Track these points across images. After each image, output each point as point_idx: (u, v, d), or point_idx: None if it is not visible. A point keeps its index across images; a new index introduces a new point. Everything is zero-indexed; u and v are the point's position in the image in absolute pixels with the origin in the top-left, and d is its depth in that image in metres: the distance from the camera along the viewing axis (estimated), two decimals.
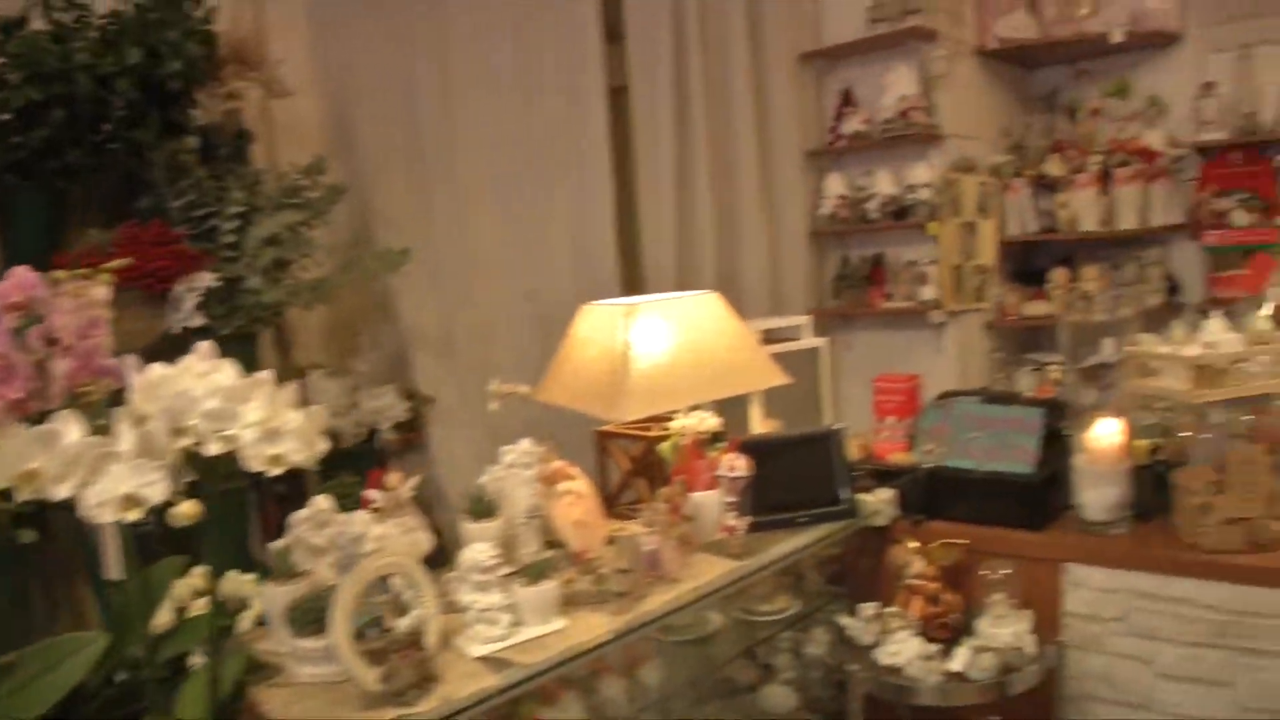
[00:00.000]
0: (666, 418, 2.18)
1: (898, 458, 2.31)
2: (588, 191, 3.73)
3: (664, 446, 2.11)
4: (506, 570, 1.65)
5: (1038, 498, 2.10)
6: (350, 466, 3.39)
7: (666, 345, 2.05)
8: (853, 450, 2.45)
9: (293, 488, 2.65)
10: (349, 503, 1.85)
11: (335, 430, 3.59)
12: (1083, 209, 3.98)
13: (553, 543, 1.96)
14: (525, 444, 1.97)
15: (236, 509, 2.48)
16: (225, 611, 1.60)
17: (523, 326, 3.48)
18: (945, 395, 2.32)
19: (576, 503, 1.96)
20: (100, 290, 1.44)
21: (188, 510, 1.18)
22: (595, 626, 1.65)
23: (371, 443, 3.72)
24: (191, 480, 1.38)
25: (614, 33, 3.81)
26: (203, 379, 1.31)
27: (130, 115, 2.21)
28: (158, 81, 2.27)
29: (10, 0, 2.14)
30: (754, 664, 2.29)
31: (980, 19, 4.11)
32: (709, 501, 1.98)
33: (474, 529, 1.86)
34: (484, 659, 1.55)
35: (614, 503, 2.33)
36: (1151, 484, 2.07)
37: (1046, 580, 2.07)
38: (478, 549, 1.61)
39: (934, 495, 2.19)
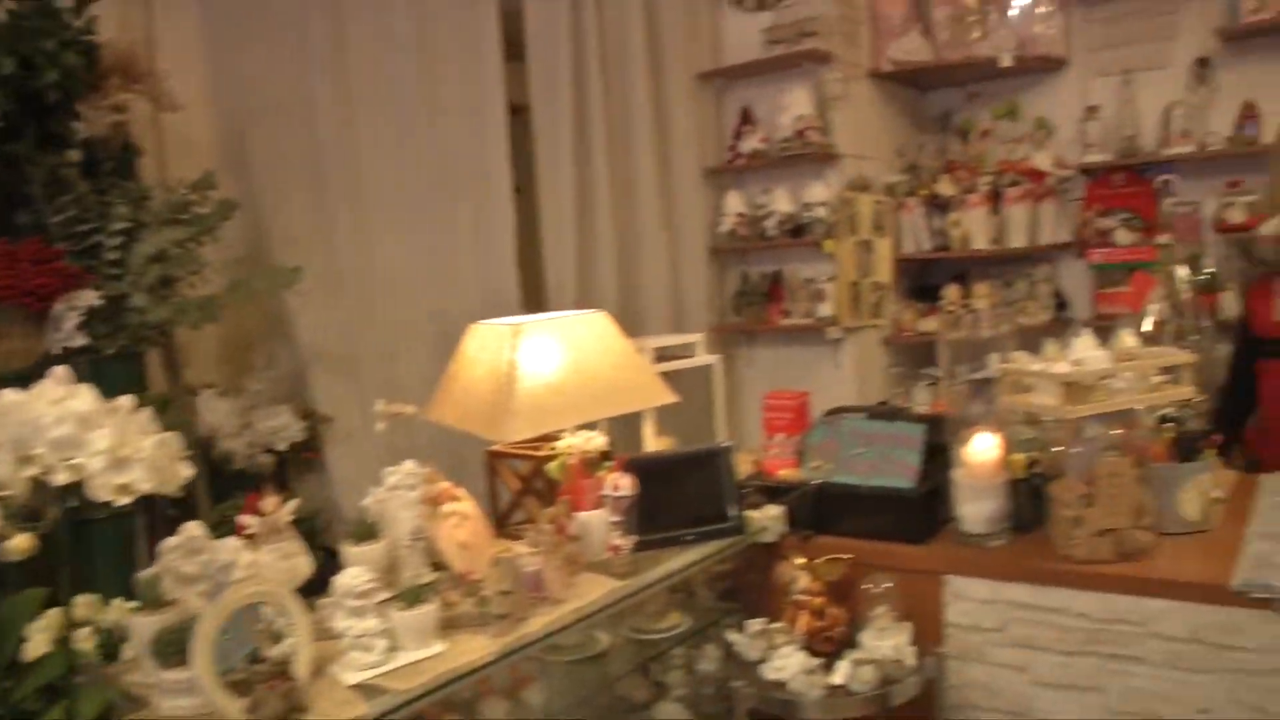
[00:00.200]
0: (556, 437, 2.18)
1: (787, 474, 2.34)
2: (490, 210, 3.72)
3: (552, 466, 2.10)
4: (384, 595, 1.63)
5: (919, 512, 2.14)
6: (245, 488, 3.32)
7: (553, 365, 2.05)
8: (745, 466, 2.48)
9: (185, 512, 2.59)
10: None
11: (228, 451, 3.52)
12: (974, 227, 4.09)
13: (438, 565, 1.94)
14: (409, 465, 1.95)
15: (125, 534, 2.41)
16: (110, 641, 1.56)
17: (427, 345, 3.45)
18: (833, 412, 2.36)
19: (462, 524, 1.95)
20: None
21: (20, 545, 1.14)
22: (475, 649, 1.64)
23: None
24: (72, 506, 1.34)
25: (515, 51, 3.81)
26: (56, 405, 1.27)
27: (5, 127, 2.14)
28: (34, 92, 2.21)
29: None
30: (647, 681, 2.30)
31: (875, 42, 4.20)
32: (595, 521, 1.98)
33: (355, 552, 1.83)
34: (358, 686, 1.52)
35: (504, 523, 2.32)
36: (1029, 497, 2.13)
37: (928, 592, 2.11)
38: (351, 574, 1.59)
39: (821, 511, 2.22)
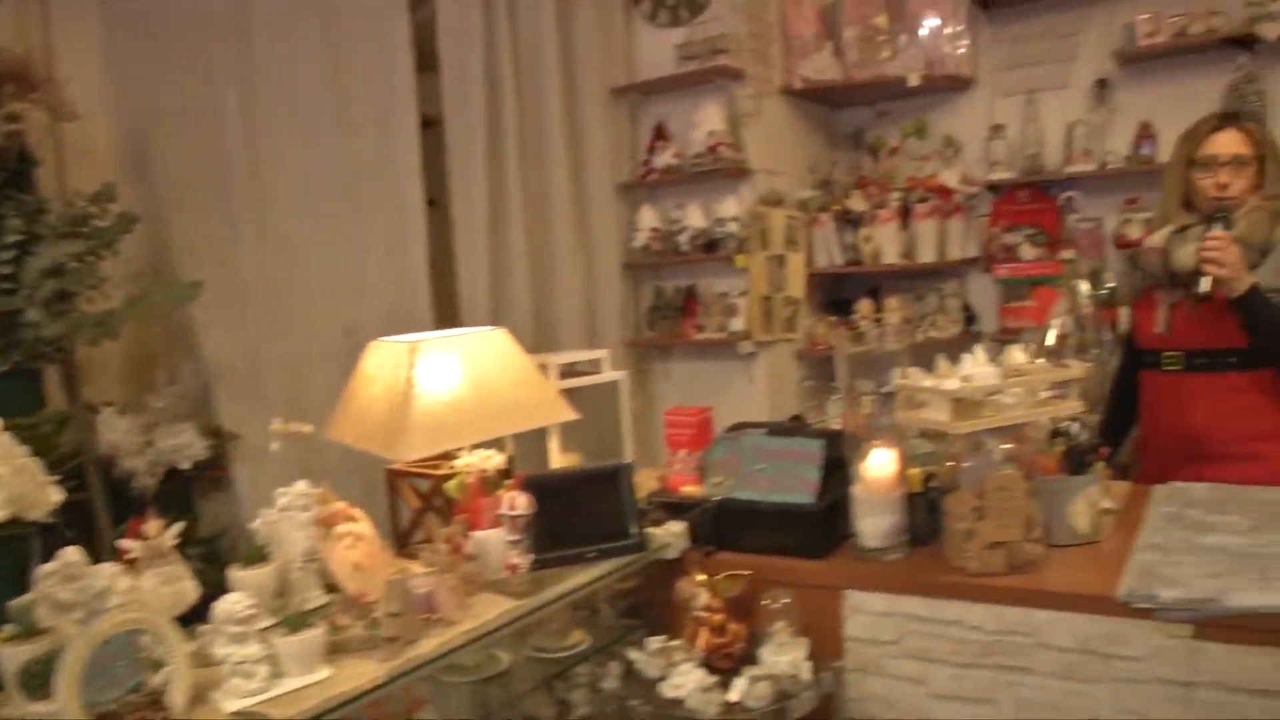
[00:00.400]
0: (457, 455, 2.16)
1: (689, 490, 2.34)
2: (402, 223, 3.68)
3: (450, 485, 2.08)
4: (267, 621, 1.60)
5: (819, 527, 2.15)
6: (148, 508, 3.23)
7: (451, 382, 2.04)
8: (651, 483, 2.48)
9: (84, 534, 2.51)
10: None
11: (129, 470, 3.43)
12: (885, 242, 4.15)
13: (332, 587, 1.90)
14: (301, 486, 1.92)
15: (20, 559, 2.33)
16: None
17: (337, 361, 3.41)
18: (734, 428, 2.37)
19: (356, 545, 1.91)
20: None
21: None
22: (362, 674, 1.61)
23: (170, 483, 3.57)
24: None
25: (428, 62, 3.77)
26: None
27: None
28: None
29: None
30: (551, 700, 2.28)
31: (787, 60, 4.25)
32: (492, 540, 1.96)
33: (242, 576, 1.80)
34: (237, 714, 1.48)
35: (405, 542, 2.29)
36: (926, 511, 2.15)
37: (828, 607, 2.12)
38: (231, 599, 1.55)
39: (723, 527, 2.23)
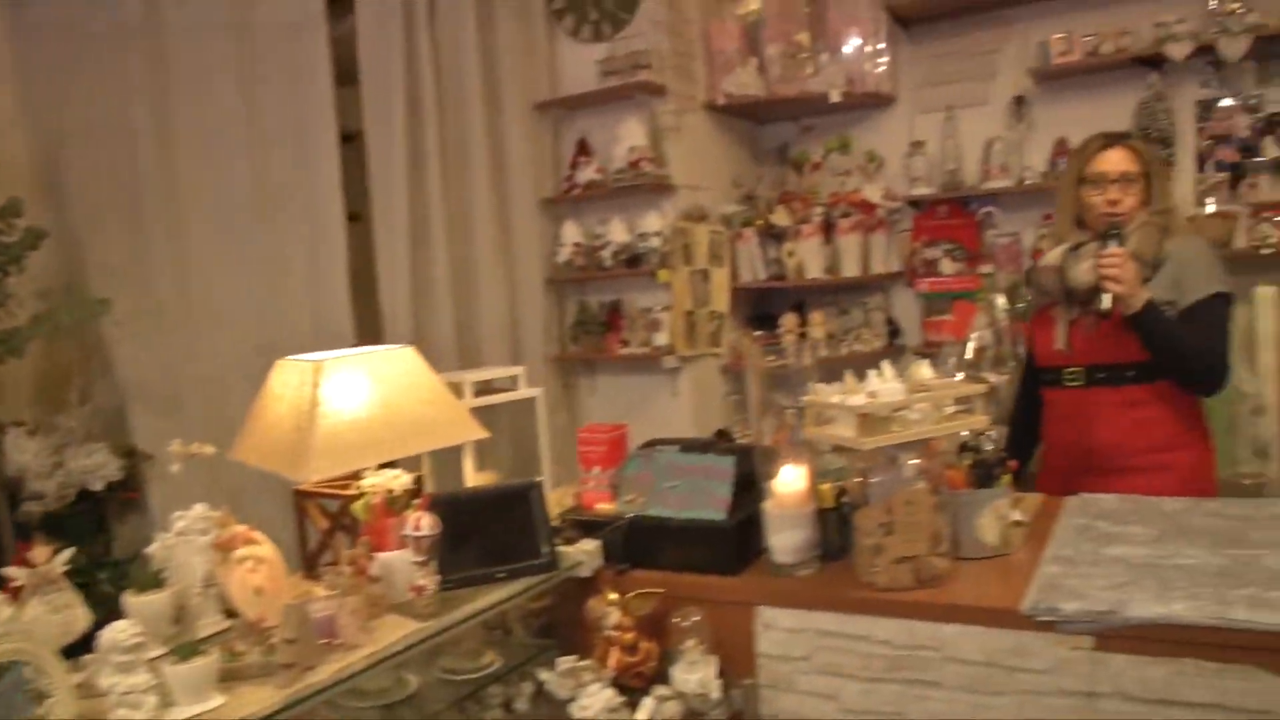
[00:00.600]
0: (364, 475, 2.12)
1: (603, 508, 2.33)
2: (321, 239, 3.64)
3: (357, 505, 2.05)
4: (158, 650, 1.56)
5: (731, 544, 2.15)
6: (59, 531, 3.16)
7: (357, 401, 2.01)
8: (568, 500, 2.46)
9: None
10: None
11: (38, 492, 3.34)
12: (808, 257, 4.19)
13: (232, 613, 1.86)
14: (199, 509, 1.87)
15: None
16: None
17: (255, 380, 3.35)
18: (648, 444, 2.36)
19: (257, 568, 1.87)
20: None
21: None
22: (257, 701, 1.57)
23: (82, 504, 3.48)
24: None
25: (348, 76, 3.74)
26: None
27: None
28: None
29: None
30: None
31: (710, 76, 4.27)
32: (398, 562, 1.93)
33: (137, 603, 1.75)
34: None
35: (314, 564, 2.25)
36: (838, 526, 2.15)
37: (740, 623, 2.11)
38: (118, 628, 1.51)
39: (636, 545, 2.21)
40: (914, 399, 1.99)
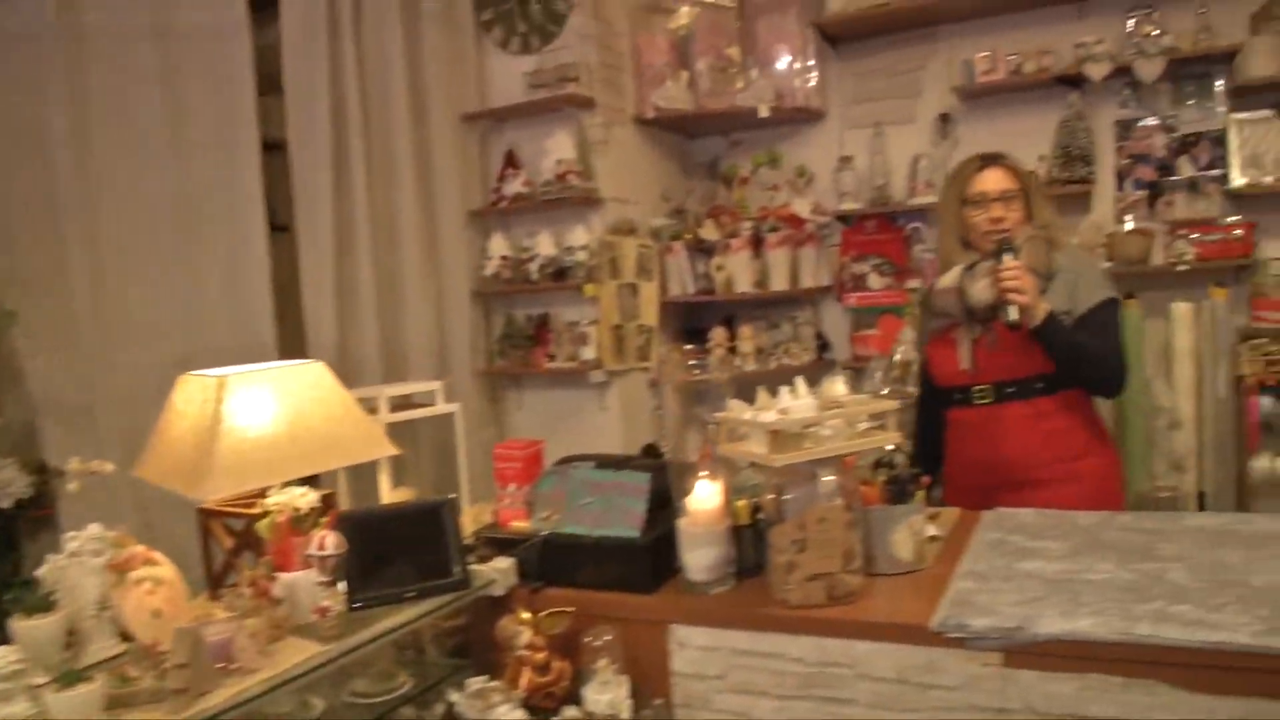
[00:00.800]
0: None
1: (518, 525, 2.30)
2: (243, 250, 3.58)
3: (262, 525, 2.00)
4: (41, 677, 1.50)
5: (645, 561, 2.13)
6: None
7: (262, 418, 1.96)
8: (485, 517, 2.43)
9: None
10: None
11: None
12: (737, 271, 4.19)
13: (129, 636, 1.81)
14: (94, 529, 1.82)
15: None
16: None
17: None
18: (563, 461, 2.34)
19: (155, 590, 1.82)
20: None
21: None
22: None
23: None
24: None
25: (271, 85, 3.68)
26: None
27: None
28: None
29: None
30: None
31: (640, 89, 4.27)
32: (302, 582, 1.89)
33: (25, 627, 1.69)
34: None
35: (219, 585, 2.20)
36: (754, 543, 2.14)
37: (655, 642, 2.09)
38: None
39: (550, 562, 2.19)
40: (826, 415, 1.99)
